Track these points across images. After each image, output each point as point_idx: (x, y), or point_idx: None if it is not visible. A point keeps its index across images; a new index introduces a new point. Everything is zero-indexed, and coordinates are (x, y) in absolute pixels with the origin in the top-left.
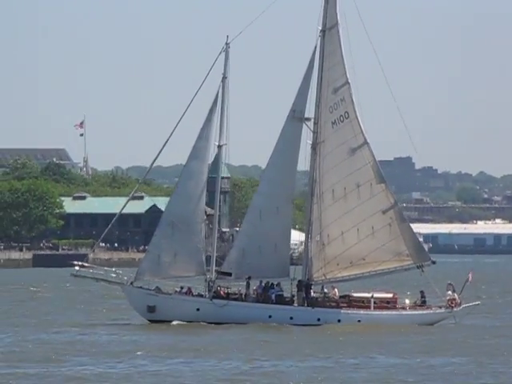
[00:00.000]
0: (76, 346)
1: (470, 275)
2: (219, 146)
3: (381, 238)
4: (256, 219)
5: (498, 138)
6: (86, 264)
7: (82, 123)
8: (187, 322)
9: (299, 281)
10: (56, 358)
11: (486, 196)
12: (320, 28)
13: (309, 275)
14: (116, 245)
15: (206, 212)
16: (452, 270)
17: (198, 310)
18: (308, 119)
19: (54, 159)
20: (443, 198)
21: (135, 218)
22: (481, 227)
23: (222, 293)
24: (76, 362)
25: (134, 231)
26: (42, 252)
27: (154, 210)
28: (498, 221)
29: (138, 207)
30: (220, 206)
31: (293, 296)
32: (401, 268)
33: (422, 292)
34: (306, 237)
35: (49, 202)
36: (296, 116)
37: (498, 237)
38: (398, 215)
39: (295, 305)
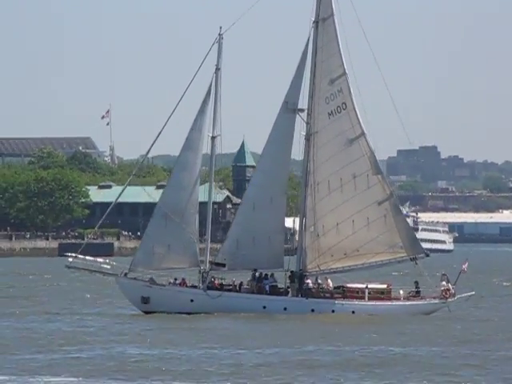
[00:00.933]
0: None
1: (465, 265)
2: (213, 138)
3: (375, 230)
4: (249, 210)
5: None
6: (79, 255)
7: (107, 112)
8: (181, 313)
9: (292, 272)
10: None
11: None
12: (313, 19)
13: (303, 266)
14: (139, 234)
15: (231, 201)
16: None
17: (192, 301)
18: (301, 110)
19: (80, 148)
20: (469, 187)
21: None
22: (507, 216)
23: (216, 284)
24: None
25: None
26: (68, 241)
27: None
28: None
29: None
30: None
31: (287, 287)
32: (394, 260)
33: (416, 282)
34: (300, 228)
35: (74, 191)
36: (289, 107)
37: None
38: (393, 207)
39: (289, 295)
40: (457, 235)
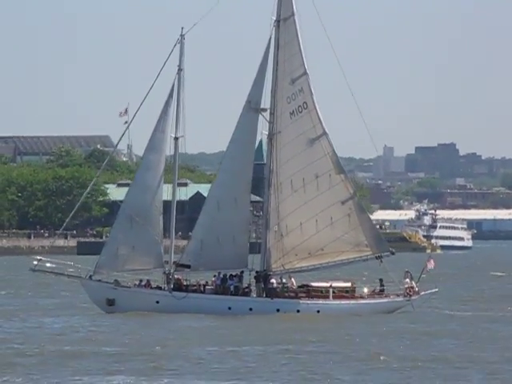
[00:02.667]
0: None
1: (429, 263)
2: (176, 138)
3: (340, 229)
4: (214, 210)
5: None
6: (43, 258)
7: (126, 110)
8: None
9: (257, 272)
10: None
11: None
12: (274, 18)
13: (267, 266)
14: None
15: (250, 199)
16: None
17: (157, 302)
18: (264, 110)
19: (98, 146)
20: (487, 184)
21: (179, 204)
22: None
23: (180, 280)
24: None
25: (178, 218)
26: (87, 239)
27: (197, 197)
28: None
29: (182, 194)
30: (265, 192)
31: (248, 285)
32: (360, 258)
33: (380, 280)
34: (264, 227)
35: (93, 190)
36: (252, 107)
37: None
38: (357, 206)
39: (253, 295)
40: (475, 232)
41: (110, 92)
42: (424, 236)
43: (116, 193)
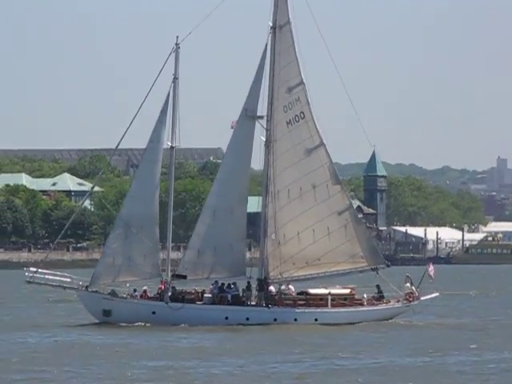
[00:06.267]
0: None
1: (430, 268)
2: (172, 147)
3: (336, 240)
4: (210, 219)
5: None
6: (39, 270)
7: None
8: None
9: (259, 280)
10: None
11: None
12: (271, 25)
13: (265, 273)
14: None
15: (363, 210)
16: None
17: (153, 313)
18: (261, 117)
19: (211, 158)
20: None
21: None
22: None
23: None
24: None
25: None
26: None
27: None
28: None
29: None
30: (377, 204)
31: (243, 292)
32: (355, 270)
33: (378, 286)
34: (262, 235)
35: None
36: (248, 115)
37: None
38: (353, 217)
39: (253, 303)
40: None
41: (222, 104)
42: None
43: None
